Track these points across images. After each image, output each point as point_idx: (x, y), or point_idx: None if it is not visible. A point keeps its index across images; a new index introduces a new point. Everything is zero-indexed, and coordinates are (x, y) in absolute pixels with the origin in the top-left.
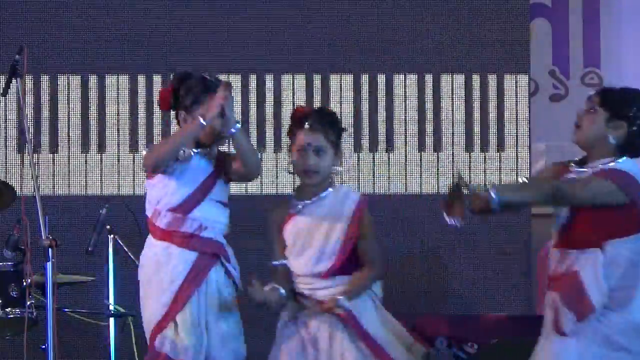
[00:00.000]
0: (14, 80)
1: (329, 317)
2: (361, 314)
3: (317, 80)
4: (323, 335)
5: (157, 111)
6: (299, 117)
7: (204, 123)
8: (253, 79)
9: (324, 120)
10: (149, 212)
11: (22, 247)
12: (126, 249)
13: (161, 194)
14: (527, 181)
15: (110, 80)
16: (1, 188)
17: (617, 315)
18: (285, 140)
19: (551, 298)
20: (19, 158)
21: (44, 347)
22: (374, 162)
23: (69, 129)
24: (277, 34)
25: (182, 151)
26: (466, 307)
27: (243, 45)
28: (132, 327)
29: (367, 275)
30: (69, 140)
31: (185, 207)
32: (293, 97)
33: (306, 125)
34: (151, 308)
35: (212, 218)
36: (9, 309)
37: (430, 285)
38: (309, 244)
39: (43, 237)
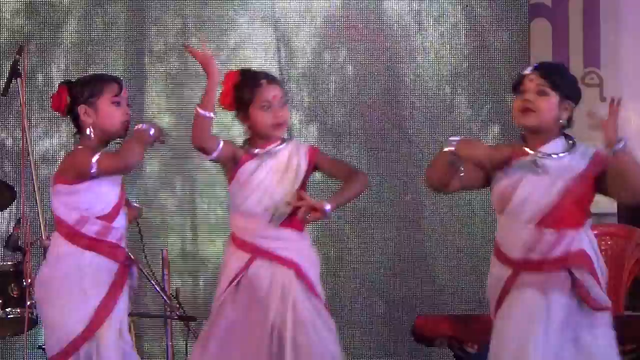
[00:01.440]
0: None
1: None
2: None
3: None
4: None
5: (156, 111)
6: (253, 75)
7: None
8: None
9: (276, 76)
10: (68, 218)
11: (22, 247)
12: (126, 249)
13: (91, 201)
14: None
15: None
16: (1, 188)
17: None
18: None
19: (559, 279)
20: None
21: (44, 347)
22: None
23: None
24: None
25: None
26: (466, 307)
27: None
28: (132, 327)
29: (358, 178)
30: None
31: (111, 216)
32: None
33: (265, 81)
34: (69, 319)
35: (124, 227)
36: (9, 309)
37: (430, 285)
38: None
39: (43, 237)
